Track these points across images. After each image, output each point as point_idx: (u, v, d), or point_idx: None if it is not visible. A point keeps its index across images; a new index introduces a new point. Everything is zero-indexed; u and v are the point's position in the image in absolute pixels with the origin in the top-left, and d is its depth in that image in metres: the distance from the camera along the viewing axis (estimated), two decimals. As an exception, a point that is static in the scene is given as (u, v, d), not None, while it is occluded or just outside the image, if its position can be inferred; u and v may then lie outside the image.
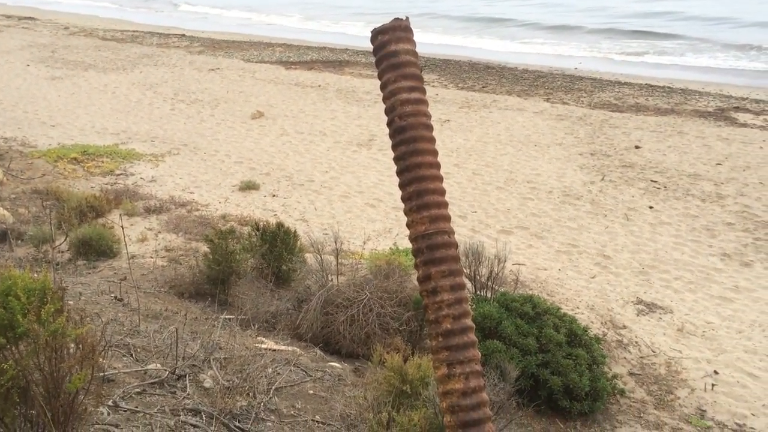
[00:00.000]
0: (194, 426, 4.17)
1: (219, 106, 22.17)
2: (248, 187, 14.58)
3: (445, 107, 21.65)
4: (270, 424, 4.57)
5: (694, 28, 38.74)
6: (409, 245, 2.18)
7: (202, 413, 4.32)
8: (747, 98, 22.71)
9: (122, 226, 9.30)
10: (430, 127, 2.19)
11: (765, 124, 19.45)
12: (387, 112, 2.18)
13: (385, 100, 2.19)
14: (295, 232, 9.14)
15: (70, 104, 22.20)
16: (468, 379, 2.07)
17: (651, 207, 13.66)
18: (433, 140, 2.21)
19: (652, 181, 15.12)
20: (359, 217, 13.13)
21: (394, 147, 2.19)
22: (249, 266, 8.80)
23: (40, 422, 3.20)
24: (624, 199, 14.09)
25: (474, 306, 7.33)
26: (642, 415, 7.21)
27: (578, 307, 9.55)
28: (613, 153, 17.11)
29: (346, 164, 16.46)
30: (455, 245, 2.21)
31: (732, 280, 10.63)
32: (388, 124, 2.24)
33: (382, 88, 2.19)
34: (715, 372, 8.09)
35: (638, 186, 14.84)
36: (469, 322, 2.14)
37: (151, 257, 9.97)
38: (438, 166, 2.27)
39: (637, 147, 17.49)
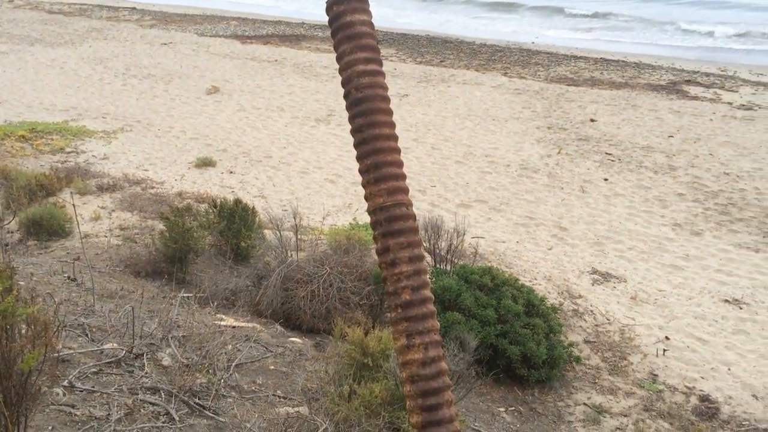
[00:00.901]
0: (153, 404, 4.13)
1: (173, 82, 21.66)
2: (204, 163, 14.34)
3: (403, 81, 21.58)
4: (231, 400, 4.55)
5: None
6: (369, 220, 2.17)
7: (161, 391, 4.28)
8: (698, 72, 23.22)
9: (74, 205, 9.05)
10: (387, 99, 2.16)
11: (715, 97, 19.95)
12: (343, 84, 2.15)
13: (341, 71, 2.15)
14: (254, 208, 9.05)
15: (17, 80, 21.41)
16: (427, 349, 2.09)
17: (606, 179, 13.93)
18: (390, 112, 2.19)
19: (606, 153, 15.40)
20: (318, 192, 13.06)
21: (351, 119, 2.16)
22: (207, 244, 8.69)
23: (-9, 404, 3.12)
24: (580, 172, 14.33)
25: (434, 279, 7.40)
26: (597, 381, 7.42)
27: (536, 278, 9.72)
28: (569, 126, 17.34)
29: (305, 140, 16.31)
30: (413, 217, 2.21)
31: (683, 249, 10.95)
32: (345, 96, 2.21)
33: (338, 59, 2.16)
34: (667, 338, 8.36)
35: (593, 159, 15.09)
36: (427, 293, 2.14)
37: (105, 236, 9.76)
38: (395, 138, 2.25)
39: (592, 120, 17.76)
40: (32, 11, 34.78)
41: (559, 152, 15.50)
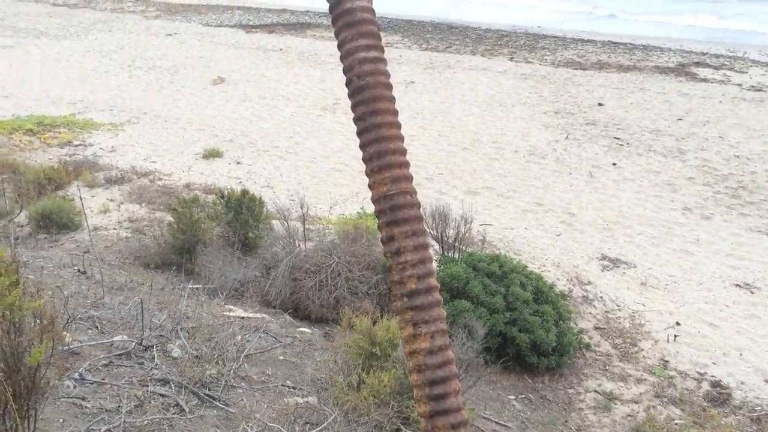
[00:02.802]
0: (163, 396, 4.14)
1: (178, 73, 21.64)
2: (211, 154, 14.33)
3: (409, 68, 21.47)
4: (240, 390, 4.56)
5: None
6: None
7: (171, 383, 4.29)
8: (707, 53, 22.98)
9: (82, 198, 9.07)
10: (389, 86, 2.13)
11: (724, 78, 19.74)
12: (345, 71, 2.11)
13: (342, 59, 2.12)
14: (261, 199, 9.03)
15: (23, 74, 21.44)
16: (433, 337, 2.06)
17: (614, 164, 13.83)
18: (392, 99, 2.15)
19: (615, 138, 15.29)
20: (325, 182, 13.03)
21: (353, 107, 2.13)
22: (215, 235, 8.69)
23: (1, 398, 3.14)
24: (588, 157, 14.24)
25: (442, 267, 7.37)
26: (607, 367, 7.40)
27: (544, 265, 9.68)
28: (577, 111, 17.22)
29: (311, 129, 16.27)
30: (418, 205, 2.18)
31: (693, 233, 10.87)
32: (347, 84, 2.17)
33: (339, 47, 2.12)
34: (677, 323, 8.31)
35: (602, 143, 14.99)
36: (433, 281, 2.12)
37: (114, 229, 9.79)
38: (399, 125, 2.21)
39: (600, 104, 17.62)
40: (37, 4, 34.79)
41: (566, 137, 15.40)
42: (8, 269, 3.26)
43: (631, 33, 27.11)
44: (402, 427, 4.10)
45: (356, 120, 2.12)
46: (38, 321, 3.18)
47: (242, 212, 8.62)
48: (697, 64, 21.60)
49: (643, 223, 11.23)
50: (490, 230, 10.64)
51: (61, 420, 3.64)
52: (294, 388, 4.89)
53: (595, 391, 6.99)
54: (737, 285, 9.28)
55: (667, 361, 7.54)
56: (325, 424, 4.05)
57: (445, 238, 8.33)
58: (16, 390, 3.14)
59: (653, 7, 32.86)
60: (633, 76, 20.16)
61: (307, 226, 8.40)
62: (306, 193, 11.28)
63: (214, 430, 3.90)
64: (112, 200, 11.17)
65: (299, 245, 8.00)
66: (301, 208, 8.21)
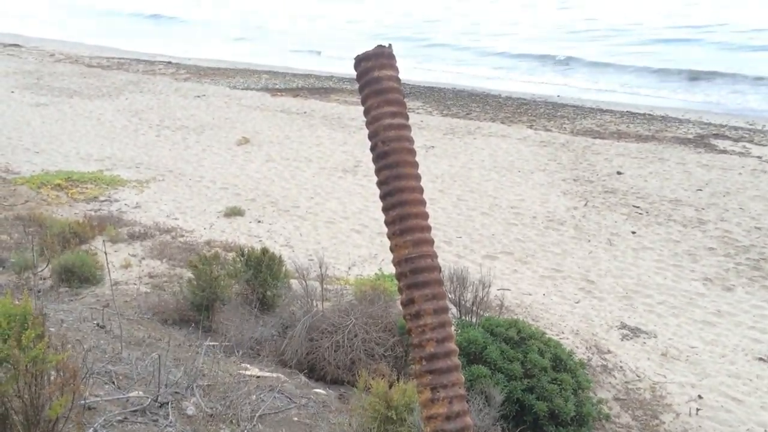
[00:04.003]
0: (176, 454, 4.12)
1: (204, 133, 22.21)
2: (233, 213, 14.55)
3: (429, 134, 21.84)
4: (253, 451, 4.52)
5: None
6: (394, 271, 2.20)
7: (185, 441, 4.27)
8: (725, 125, 23.12)
9: (105, 252, 9.22)
10: (413, 152, 2.22)
11: (743, 150, 19.80)
12: (370, 137, 2.21)
13: (368, 125, 2.22)
14: (280, 257, 9.12)
15: (55, 131, 22.13)
16: (452, 403, 2.07)
17: (633, 232, 13.80)
18: (416, 165, 2.24)
19: (634, 206, 15.30)
20: (344, 242, 13.13)
21: (377, 172, 2.22)
22: (233, 292, 8.76)
23: (19, 450, 3.15)
24: (607, 224, 14.23)
25: (459, 331, 7.33)
26: (627, 440, 7.21)
27: (563, 332, 9.57)
28: (596, 179, 17.31)
29: (332, 190, 16.50)
30: (438, 269, 2.23)
31: (714, 304, 10.73)
32: (372, 149, 2.27)
33: (366, 113, 2.23)
34: (700, 396, 8.12)
35: (621, 211, 14.99)
36: (452, 345, 2.15)
37: (135, 284, 9.90)
38: (421, 190, 2.29)
39: (619, 173, 17.70)
40: (72, 65, 36.14)
41: (585, 204, 15.44)
42: (34, 322, 3.33)
43: (648, 103, 27.44)
44: (416, 494, 4.03)
45: (380, 184, 2.21)
46: (60, 374, 3.23)
47: (261, 270, 8.70)
48: (716, 135, 21.71)
49: (663, 293, 11.11)
50: (508, 295, 10.58)
51: (75, 475, 3.64)
52: (307, 450, 4.83)
53: (615, 464, 6.80)
54: (761, 359, 9.09)
55: (689, 436, 7.34)
56: (338, 488, 3.99)
57: (463, 302, 8.30)
58: (34, 442, 3.16)
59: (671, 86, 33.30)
60: (652, 146, 20.29)
61: (325, 286, 8.43)
62: (325, 253, 11.36)
63: (226, 490, 3.86)
64: (133, 255, 11.33)
65: (317, 305, 8.02)
66: (320, 267, 8.27)
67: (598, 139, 21.33)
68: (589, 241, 13.39)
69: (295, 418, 5.43)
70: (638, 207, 15.24)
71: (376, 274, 10.52)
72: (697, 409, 7.81)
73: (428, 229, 2.21)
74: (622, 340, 9.53)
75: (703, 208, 15.05)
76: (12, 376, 3.05)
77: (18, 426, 3.14)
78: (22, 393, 3.11)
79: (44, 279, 9.97)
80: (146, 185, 16.66)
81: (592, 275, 11.80)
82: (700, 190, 16.29)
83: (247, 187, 16.62)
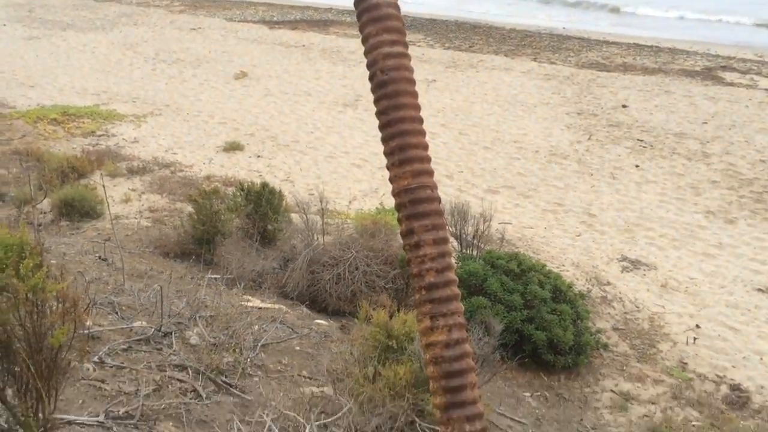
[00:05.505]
0: (180, 381, 4.18)
1: (201, 66, 21.80)
2: (232, 147, 14.43)
3: (431, 67, 21.43)
4: (257, 379, 4.59)
5: None
6: (394, 203, 2.16)
7: (189, 369, 4.33)
8: (734, 57, 22.66)
9: (104, 187, 9.17)
10: (412, 82, 2.13)
11: (751, 83, 19.46)
12: (368, 66, 2.12)
13: (366, 54, 2.12)
14: (281, 192, 9.07)
15: (49, 64, 21.73)
16: (451, 330, 2.06)
17: (637, 166, 13.70)
18: (415, 95, 2.15)
19: (638, 140, 15.14)
20: (345, 177, 13.06)
21: (375, 101, 2.13)
22: (234, 226, 8.75)
23: (23, 377, 3.18)
24: (610, 158, 14.11)
25: (460, 264, 7.35)
26: (624, 368, 7.33)
27: (563, 265, 9.62)
28: (600, 112, 17.07)
29: (332, 124, 16.31)
30: (438, 200, 2.18)
31: (716, 236, 10.74)
32: (370, 79, 2.18)
33: (364, 41, 2.12)
34: (697, 326, 8.22)
35: (625, 145, 14.85)
36: (452, 275, 2.12)
37: (135, 218, 9.89)
38: (421, 120, 2.21)
39: (624, 106, 17.46)
40: (65, -3, 35.20)
41: (589, 138, 15.28)
42: (32, 252, 3.30)
43: (654, 35, 26.79)
44: (417, 419, 4.10)
45: (379, 114, 2.13)
46: (61, 303, 3.23)
47: (262, 205, 8.66)
48: (724, 68, 21.31)
49: (664, 226, 11.11)
50: (510, 229, 10.58)
51: (80, 401, 3.69)
52: (310, 378, 4.91)
53: (612, 390, 6.93)
54: (760, 289, 9.15)
55: (685, 364, 7.46)
56: (340, 414, 4.06)
57: (464, 236, 8.31)
58: (38, 369, 3.19)
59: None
60: (658, 79, 19.94)
61: (325, 220, 8.42)
62: (325, 188, 11.32)
63: (230, 416, 3.93)
64: (133, 190, 11.29)
65: (317, 238, 8.02)
66: (321, 202, 8.24)
67: (603, 71, 20.94)
68: (592, 174, 13.31)
69: (297, 348, 5.50)
70: (642, 140, 15.08)
71: (377, 208, 10.50)
72: (695, 338, 7.92)
73: (428, 159, 2.14)
74: (622, 272, 9.58)
75: (708, 141, 14.89)
76: (12, 305, 3.05)
77: (22, 353, 3.15)
78: (24, 322, 3.11)
79: (44, 213, 9.97)
80: (144, 120, 16.46)
81: (594, 209, 11.77)
82: (706, 123, 16.08)
83: (246, 122, 16.42)
